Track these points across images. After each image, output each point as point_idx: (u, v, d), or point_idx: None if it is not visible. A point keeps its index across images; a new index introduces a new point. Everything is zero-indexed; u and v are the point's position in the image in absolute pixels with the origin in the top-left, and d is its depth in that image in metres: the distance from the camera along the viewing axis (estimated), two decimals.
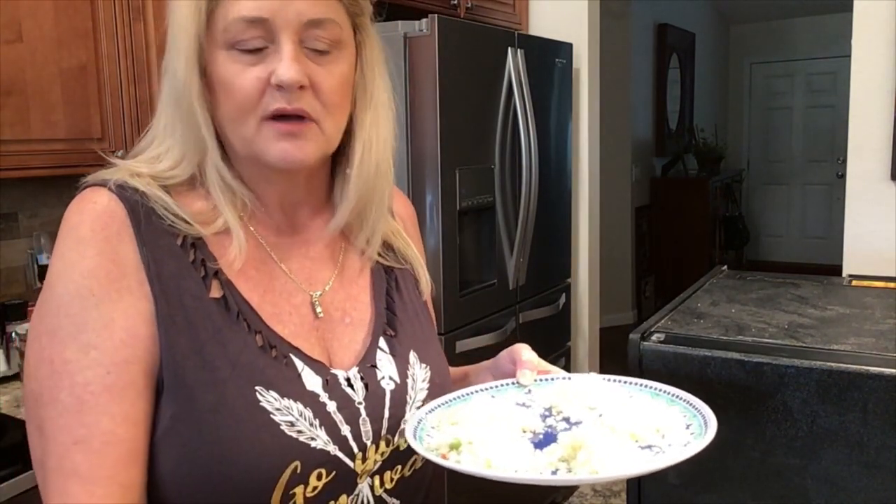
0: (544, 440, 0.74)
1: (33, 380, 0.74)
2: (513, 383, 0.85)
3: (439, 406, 0.81)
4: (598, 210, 3.52)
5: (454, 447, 0.72)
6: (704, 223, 6.09)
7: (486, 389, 0.85)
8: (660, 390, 0.80)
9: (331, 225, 0.88)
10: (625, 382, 0.83)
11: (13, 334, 2.00)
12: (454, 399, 0.83)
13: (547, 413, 0.80)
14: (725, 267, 1.38)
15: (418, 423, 0.77)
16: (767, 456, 0.90)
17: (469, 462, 0.70)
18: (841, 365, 0.87)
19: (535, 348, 0.88)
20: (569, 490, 1.31)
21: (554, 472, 0.68)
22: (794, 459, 0.89)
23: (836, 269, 2.40)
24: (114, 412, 0.72)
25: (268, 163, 0.79)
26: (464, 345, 2.54)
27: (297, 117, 0.78)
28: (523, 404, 0.82)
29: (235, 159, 0.82)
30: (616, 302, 5.51)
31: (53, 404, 0.72)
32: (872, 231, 2.44)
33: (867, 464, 0.86)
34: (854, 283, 1.27)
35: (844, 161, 2.65)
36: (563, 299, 3.18)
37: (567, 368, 3.24)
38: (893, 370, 0.85)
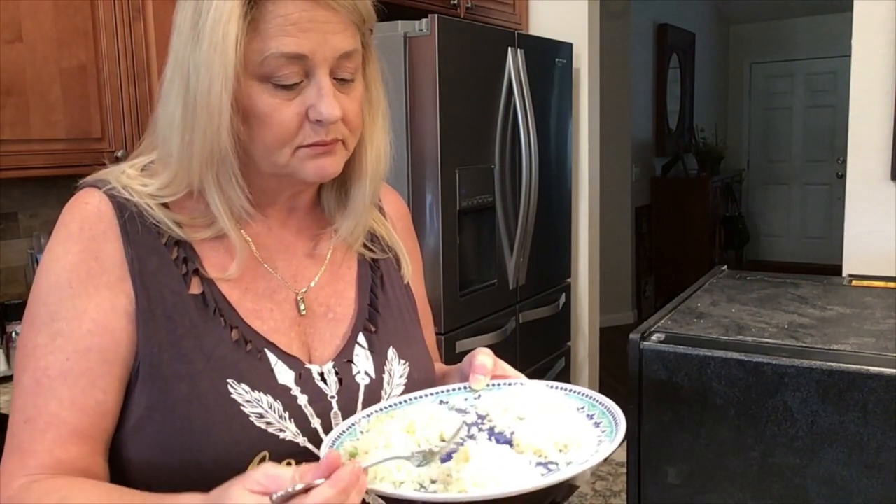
0: (452, 453, 0.73)
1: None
2: (465, 388, 0.86)
3: (381, 410, 0.82)
4: (598, 210, 3.52)
5: (352, 455, 0.74)
6: (704, 223, 6.09)
7: (437, 394, 0.86)
8: (596, 402, 0.81)
9: (341, 232, 0.92)
10: (569, 392, 0.83)
11: (13, 334, 2.00)
12: (399, 403, 0.84)
13: (479, 421, 0.80)
14: (725, 267, 1.38)
15: (349, 426, 0.78)
16: (767, 456, 0.90)
17: None
18: (841, 365, 0.87)
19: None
20: (568, 490, 1.31)
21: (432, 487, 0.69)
22: (794, 459, 0.89)
23: (836, 269, 2.40)
24: (62, 396, 0.76)
25: (302, 179, 0.83)
26: (464, 345, 2.53)
27: None
28: (464, 410, 0.82)
29: (247, 171, 0.83)
30: (616, 302, 5.51)
31: (18, 386, 0.78)
32: (872, 231, 2.44)
33: (867, 464, 0.86)
34: (854, 283, 1.27)
35: (844, 161, 2.64)
36: (562, 299, 3.17)
37: (567, 368, 3.24)
38: (893, 370, 0.85)
